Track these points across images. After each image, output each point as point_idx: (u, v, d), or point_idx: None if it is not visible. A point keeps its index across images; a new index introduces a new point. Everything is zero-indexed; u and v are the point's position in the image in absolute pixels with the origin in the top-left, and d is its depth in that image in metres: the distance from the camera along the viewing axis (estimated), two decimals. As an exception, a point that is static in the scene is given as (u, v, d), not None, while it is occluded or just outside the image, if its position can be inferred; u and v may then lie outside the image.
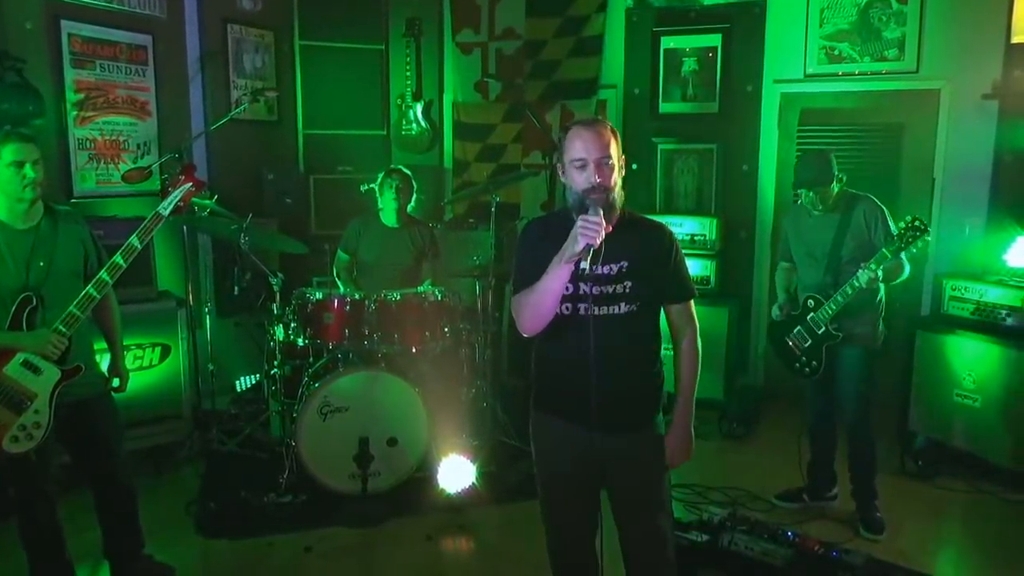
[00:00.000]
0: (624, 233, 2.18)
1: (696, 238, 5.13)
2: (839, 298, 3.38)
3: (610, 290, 2.18)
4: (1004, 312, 4.02)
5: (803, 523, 3.56)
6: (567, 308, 2.19)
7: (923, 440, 4.25)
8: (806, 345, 3.56)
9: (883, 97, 4.91)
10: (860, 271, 3.27)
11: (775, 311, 3.73)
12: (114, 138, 4.47)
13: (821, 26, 4.98)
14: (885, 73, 4.83)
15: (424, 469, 3.82)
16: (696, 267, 5.02)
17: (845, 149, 4.88)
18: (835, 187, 3.47)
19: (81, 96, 4.29)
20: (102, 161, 4.42)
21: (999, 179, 4.58)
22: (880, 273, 3.26)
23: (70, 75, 4.22)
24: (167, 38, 4.73)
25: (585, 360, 2.15)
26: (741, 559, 2.93)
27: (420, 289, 4.01)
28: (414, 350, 3.89)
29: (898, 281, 3.41)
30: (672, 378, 2.36)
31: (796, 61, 5.06)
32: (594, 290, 2.16)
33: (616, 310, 2.18)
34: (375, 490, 3.68)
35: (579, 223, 2.02)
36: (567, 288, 2.15)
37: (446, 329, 3.94)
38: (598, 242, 2.02)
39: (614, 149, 2.15)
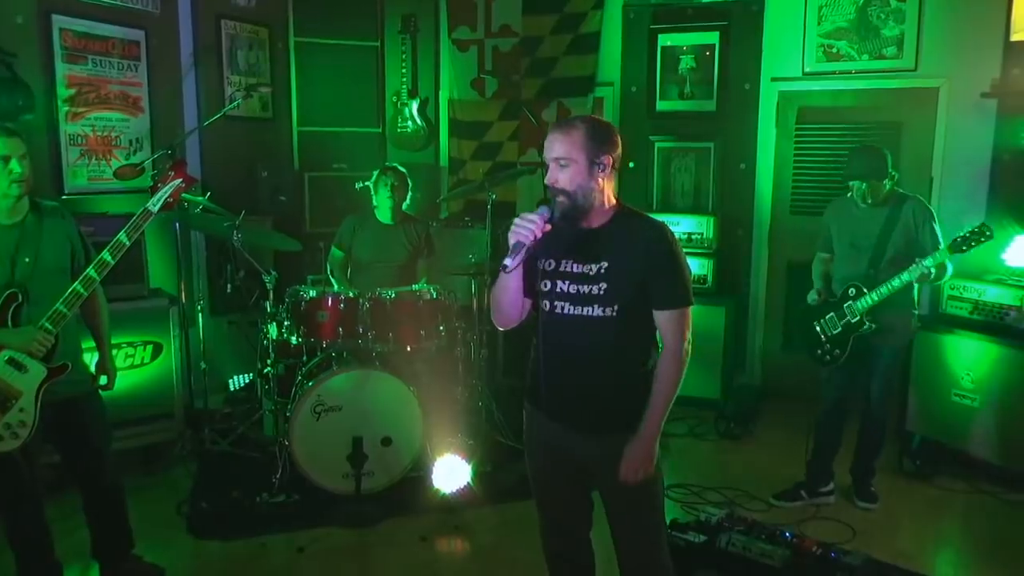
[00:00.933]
0: (611, 232, 2.15)
1: (693, 237, 5.12)
2: (884, 289, 3.43)
3: (586, 290, 2.13)
4: (1003, 311, 4.00)
5: (801, 522, 3.53)
6: (546, 305, 2.19)
7: (921, 440, 4.23)
8: (834, 332, 3.60)
9: (881, 95, 4.89)
10: (914, 265, 3.34)
11: (812, 296, 3.75)
12: (106, 134, 4.42)
13: (819, 24, 4.95)
14: (883, 71, 4.81)
15: (418, 469, 3.79)
16: (693, 266, 4.99)
17: (843, 147, 4.83)
18: (887, 184, 3.52)
19: (72, 91, 4.24)
20: (94, 157, 4.37)
21: (998, 178, 4.56)
22: (933, 271, 3.32)
23: (61, 70, 4.17)
24: (160, 33, 4.68)
25: (560, 359, 2.19)
26: (738, 560, 2.90)
27: (415, 287, 3.98)
28: (409, 349, 3.86)
29: (940, 282, 3.50)
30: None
31: (794, 59, 5.03)
32: (571, 288, 2.14)
33: (590, 312, 2.13)
34: (369, 490, 3.64)
35: (514, 220, 2.07)
36: (544, 285, 2.18)
37: (441, 328, 3.91)
38: (530, 240, 2.03)
39: (578, 150, 2.07)
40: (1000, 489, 3.91)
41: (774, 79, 5.11)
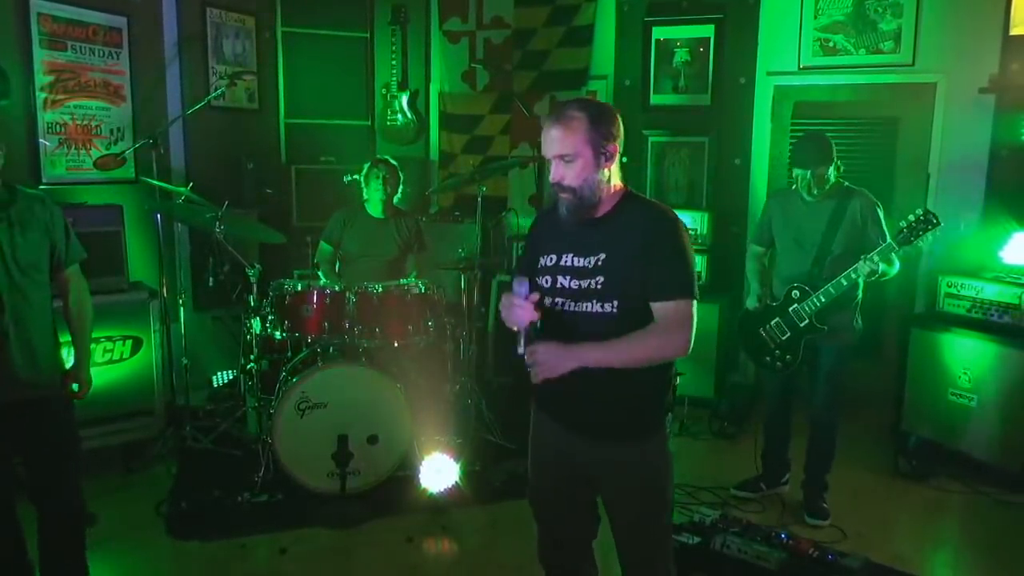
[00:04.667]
0: (611, 221, 2.01)
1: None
2: (831, 290, 3.27)
3: (584, 285, 1.99)
4: (1000, 309, 3.95)
5: (796, 523, 3.47)
6: (548, 301, 2.06)
7: (917, 440, 4.17)
8: (783, 338, 3.44)
9: (878, 90, 4.83)
10: (861, 262, 3.18)
11: (751, 301, 3.60)
12: (86, 123, 4.31)
13: (816, 17, 4.89)
14: (881, 66, 4.75)
15: (405, 468, 3.71)
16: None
17: (839, 143, 4.70)
18: (832, 173, 3.37)
19: (51, 78, 4.12)
20: (73, 146, 4.26)
21: (995, 174, 4.51)
22: (881, 266, 3.17)
23: (39, 56, 4.05)
24: (143, 20, 4.57)
25: None
26: (734, 562, 2.83)
27: (403, 281, 3.90)
28: (396, 344, 3.78)
29: (886, 279, 3.30)
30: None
31: (790, 53, 4.97)
32: (571, 284, 2.02)
33: (589, 308, 1.99)
34: (354, 489, 3.56)
35: (502, 304, 1.99)
36: (545, 281, 2.06)
37: (430, 323, 3.83)
38: (526, 323, 1.96)
39: (583, 142, 1.93)
40: (997, 490, 3.86)
41: (769, 73, 5.05)
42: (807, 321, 3.35)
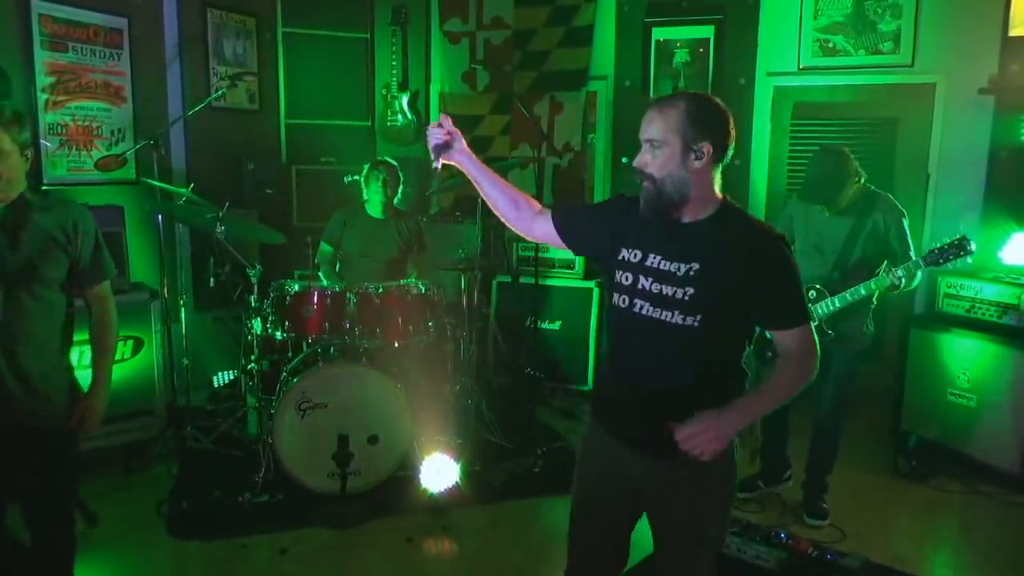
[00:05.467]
0: (709, 231, 1.86)
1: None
2: (848, 296, 3.25)
3: (670, 292, 1.85)
4: (1000, 310, 3.95)
5: (795, 523, 3.47)
6: (623, 300, 1.93)
7: (917, 440, 4.17)
8: None
9: (878, 91, 4.83)
10: (884, 274, 3.15)
11: None
12: (87, 124, 4.31)
13: (815, 18, 4.89)
14: (880, 67, 4.75)
15: (406, 468, 3.71)
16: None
17: (839, 143, 4.78)
18: (849, 191, 3.31)
19: (52, 79, 4.13)
20: (74, 147, 4.26)
21: (995, 175, 4.51)
22: (904, 281, 3.15)
23: (40, 57, 4.05)
24: (144, 21, 4.57)
25: (630, 366, 1.96)
26: (733, 562, 2.83)
27: (403, 282, 3.90)
28: (396, 345, 3.78)
29: (901, 291, 3.26)
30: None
31: (790, 54, 4.97)
32: (654, 287, 1.87)
33: (670, 317, 1.85)
34: (354, 490, 3.57)
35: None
36: (625, 278, 1.93)
37: (430, 323, 3.83)
38: (431, 143, 2.08)
39: (673, 131, 1.82)
40: (997, 490, 3.86)
41: (769, 74, 5.05)
42: (817, 323, 3.33)
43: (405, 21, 5.69)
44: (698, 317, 1.84)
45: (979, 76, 4.48)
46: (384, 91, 5.80)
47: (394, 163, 4.35)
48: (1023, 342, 3.80)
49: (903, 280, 3.15)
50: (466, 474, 3.71)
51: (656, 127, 1.85)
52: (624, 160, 5.35)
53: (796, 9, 4.92)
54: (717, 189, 1.91)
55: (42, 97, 4.09)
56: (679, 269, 1.85)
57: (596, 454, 2.08)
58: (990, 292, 4.00)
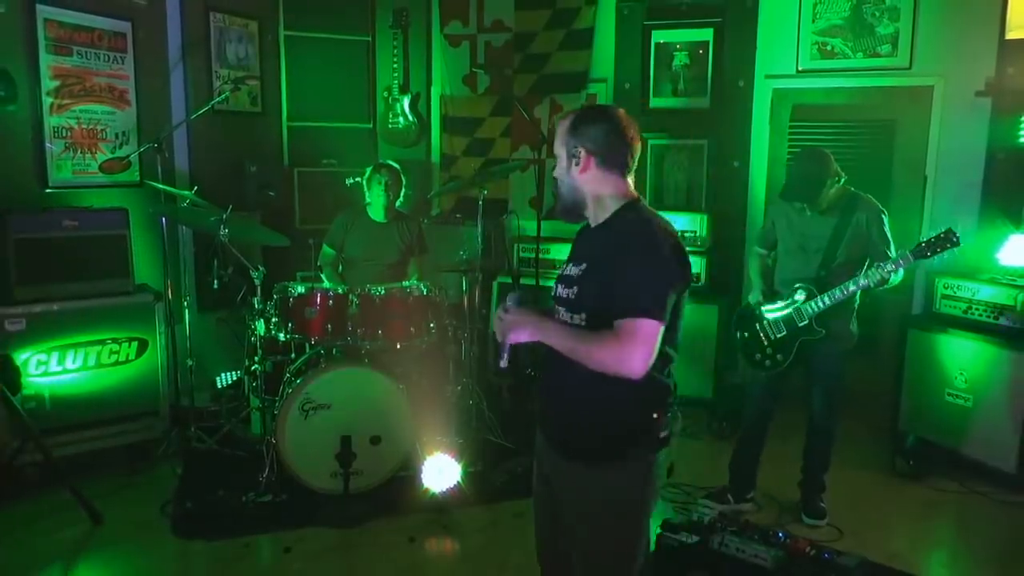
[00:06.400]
0: (600, 233, 1.98)
1: (686, 235, 5.06)
2: (837, 293, 3.27)
3: (565, 294, 1.98)
4: (997, 311, 3.97)
5: (792, 523, 3.50)
6: (555, 309, 2.04)
7: (914, 440, 4.20)
8: (778, 336, 3.45)
9: (876, 93, 4.87)
10: (873, 268, 3.19)
11: (755, 296, 3.60)
12: (92, 127, 4.34)
13: (814, 21, 4.93)
14: (878, 69, 4.78)
15: (408, 468, 3.74)
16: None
17: (837, 146, 4.79)
18: (830, 190, 3.34)
19: (57, 83, 4.16)
20: (79, 150, 4.30)
21: (992, 176, 4.54)
22: (892, 276, 3.19)
23: (46, 61, 4.09)
24: (148, 25, 4.61)
25: (547, 367, 2.05)
26: (731, 561, 2.86)
27: (405, 284, 3.93)
28: (398, 346, 3.82)
29: (888, 286, 3.30)
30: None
31: (788, 56, 5.01)
32: (563, 292, 1.99)
33: (570, 319, 1.94)
34: (357, 489, 3.59)
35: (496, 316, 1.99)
36: (554, 290, 2.05)
37: (431, 325, 3.86)
38: (499, 338, 1.93)
39: (560, 143, 1.97)
40: (993, 489, 3.89)
41: (768, 76, 5.09)
42: (806, 322, 3.36)
43: (406, 24, 5.72)
44: (583, 315, 1.91)
45: (976, 79, 4.52)
46: (385, 94, 5.83)
47: (396, 166, 4.38)
48: (1019, 343, 3.82)
49: (890, 274, 3.20)
50: (467, 474, 3.73)
51: (555, 141, 2.00)
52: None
53: (795, 12, 4.95)
54: (627, 191, 1.97)
55: (47, 101, 4.12)
56: (574, 271, 1.98)
57: (537, 454, 2.17)
58: (987, 293, 4.02)
